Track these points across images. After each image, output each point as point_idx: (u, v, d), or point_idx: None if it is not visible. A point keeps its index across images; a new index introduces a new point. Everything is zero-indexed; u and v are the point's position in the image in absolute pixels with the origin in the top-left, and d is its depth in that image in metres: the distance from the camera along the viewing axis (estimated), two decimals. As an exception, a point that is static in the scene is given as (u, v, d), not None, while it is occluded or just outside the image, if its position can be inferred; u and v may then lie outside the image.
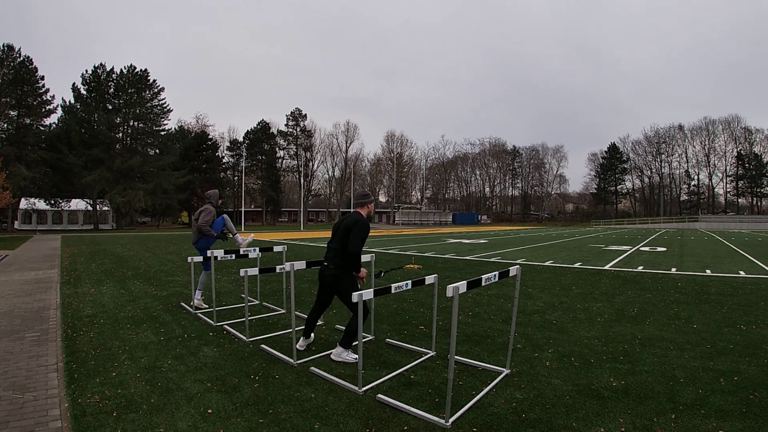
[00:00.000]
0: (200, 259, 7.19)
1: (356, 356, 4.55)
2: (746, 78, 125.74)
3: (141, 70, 54.28)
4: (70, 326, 6.22)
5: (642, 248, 20.90)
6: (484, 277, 3.77)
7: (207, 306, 7.32)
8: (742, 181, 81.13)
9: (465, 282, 3.43)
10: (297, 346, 4.91)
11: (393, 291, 4.08)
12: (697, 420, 3.38)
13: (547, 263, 14.22)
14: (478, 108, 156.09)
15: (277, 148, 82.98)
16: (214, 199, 7.61)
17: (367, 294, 3.80)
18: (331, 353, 4.85)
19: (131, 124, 54.54)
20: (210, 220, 7.40)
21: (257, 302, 7.82)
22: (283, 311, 7.17)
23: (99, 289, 9.26)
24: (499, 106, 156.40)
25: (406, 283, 4.15)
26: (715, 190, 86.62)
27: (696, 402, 3.69)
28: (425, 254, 17.52)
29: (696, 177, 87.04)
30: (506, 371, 4.38)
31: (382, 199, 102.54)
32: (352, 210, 5.00)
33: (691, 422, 3.34)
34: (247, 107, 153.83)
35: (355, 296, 3.69)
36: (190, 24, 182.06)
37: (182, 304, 7.71)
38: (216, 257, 6.68)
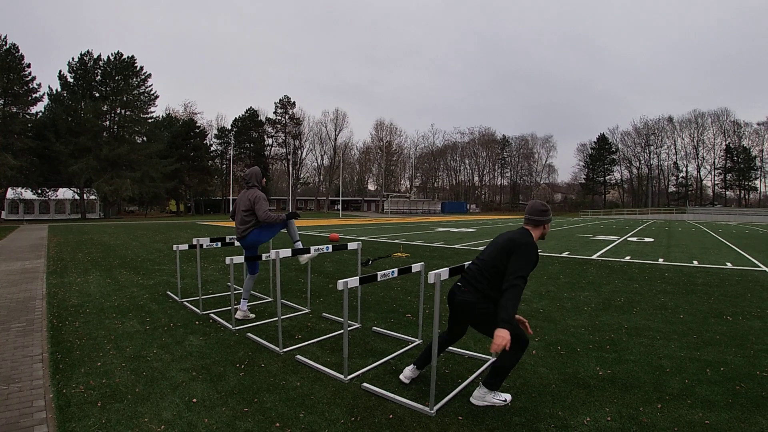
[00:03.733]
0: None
1: (507, 396, 3.56)
2: (736, 72, 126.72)
3: (128, 57, 53.51)
4: (55, 316, 6.15)
5: (630, 238, 21.03)
6: (467, 264, 3.76)
7: (253, 316, 6.07)
8: (730, 174, 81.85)
9: (447, 269, 3.42)
10: (401, 377, 3.88)
11: (379, 279, 4.07)
12: (683, 410, 3.39)
13: (535, 253, 14.22)
14: (468, 96, 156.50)
15: (265, 136, 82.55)
16: (257, 179, 6.00)
17: (353, 282, 3.77)
18: (471, 398, 3.56)
19: (118, 111, 53.80)
20: (268, 209, 5.79)
21: (244, 291, 7.78)
22: (270, 299, 7.14)
23: (85, 278, 9.17)
24: (490, 95, 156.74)
25: (393, 271, 4.13)
26: (704, 182, 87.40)
27: (682, 392, 3.71)
28: (413, 243, 17.54)
29: (684, 169, 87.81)
30: (492, 359, 4.38)
31: (371, 187, 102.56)
32: (522, 225, 3.66)
33: (678, 412, 3.36)
34: (235, 95, 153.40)
35: (340, 284, 3.64)
36: (179, 10, 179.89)
37: (168, 293, 7.65)
38: (201, 245, 6.62)
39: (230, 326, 5.55)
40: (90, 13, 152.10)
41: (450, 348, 4.72)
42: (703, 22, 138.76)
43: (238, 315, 5.92)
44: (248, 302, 6.38)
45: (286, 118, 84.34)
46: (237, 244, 6.26)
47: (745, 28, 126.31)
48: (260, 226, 5.83)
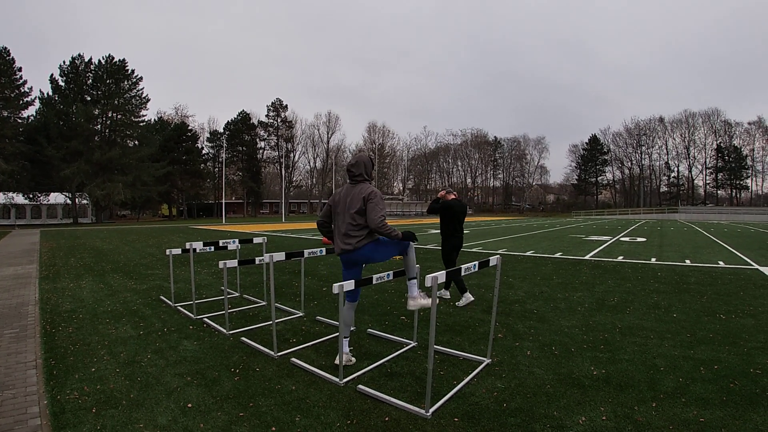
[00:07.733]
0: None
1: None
2: (727, 72, 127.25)
3: (119, 60, 53.29)
4: (48, 322, 6.10)
5: (622, 238, 21.12)
6: (463, 267, 3.77)
7: (354, 361, 4.47)
8: (721, 174, 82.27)
9: (444, 272, 3.43)
10: (444, 294, 7.03)
11: (374, 282, 4.07)
12: (677, 408, 3.41)
13: (528, 253, 14.30)
14: (461, 99, 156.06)
15: (257, 139, 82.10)
16: (368, 170, 4.48)
17: (348, 285, 3.77)
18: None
19: (110, 115, 53.51)
20: (385, 213, 4.23)
21: (237, 294, 7.76)
22: (264, 303, 7.12)
23: (78, 283, 9.11)
24: (482, 97, 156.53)
25: (388, 274, 4.14)
26: (695, 182, 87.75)
27: (676, 390, 3.73)
28: (408, 246, 17.48)
29: (676, 169, 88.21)
30: (487, 361, 4.40)
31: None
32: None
33: (672, 410, 3.38)
34: (227, 98, 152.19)
35: (335, 287, 3.66)
36: (171, 12, 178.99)
37: (162, 297, 7.62)
38: (194, 249, 6.59)
39: (224, 330, 5.52)
40: (82, 15, 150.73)
41: (444, 349, 4.75)
42: (693, 24, 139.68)
43: (343, 360, 4.14)
44: (243, 307, 6.31)
45: (279, 121, 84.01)
46: (338, 256, 4.49)
47: (736, 30, 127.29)
48: (376, 240, 4.33)
